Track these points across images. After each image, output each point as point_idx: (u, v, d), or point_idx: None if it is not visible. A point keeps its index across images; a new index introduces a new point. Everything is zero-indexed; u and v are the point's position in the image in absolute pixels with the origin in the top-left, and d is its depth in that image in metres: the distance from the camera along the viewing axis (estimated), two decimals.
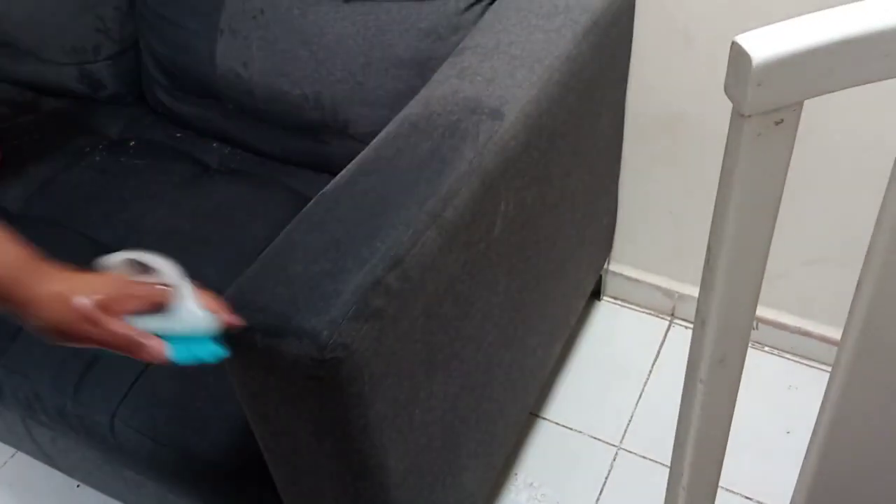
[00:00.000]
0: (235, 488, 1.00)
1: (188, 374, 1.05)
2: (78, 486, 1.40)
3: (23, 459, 1.14)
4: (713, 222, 0.56)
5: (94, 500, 1.39)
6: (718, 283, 0.58)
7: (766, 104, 0.48)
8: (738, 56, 0.47)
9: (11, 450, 1.50)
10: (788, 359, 1.53)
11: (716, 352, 0.63)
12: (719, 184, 0.53)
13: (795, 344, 1.52)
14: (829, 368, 1.60)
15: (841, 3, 0.48)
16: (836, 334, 1.48)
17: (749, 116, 0.48)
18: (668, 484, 0.80)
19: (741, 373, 0.67)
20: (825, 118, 1.21)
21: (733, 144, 0.51)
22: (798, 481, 0.78)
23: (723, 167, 0.52)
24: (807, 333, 1.49)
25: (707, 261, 0.58)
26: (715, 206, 0.55)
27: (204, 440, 1.00)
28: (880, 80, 0.49)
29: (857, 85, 0.49)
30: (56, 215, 1.30)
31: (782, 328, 1.51)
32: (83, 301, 0.68)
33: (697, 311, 0.62)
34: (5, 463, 1.50)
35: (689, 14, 1.22)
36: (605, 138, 1.29)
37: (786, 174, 0.52)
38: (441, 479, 1.02)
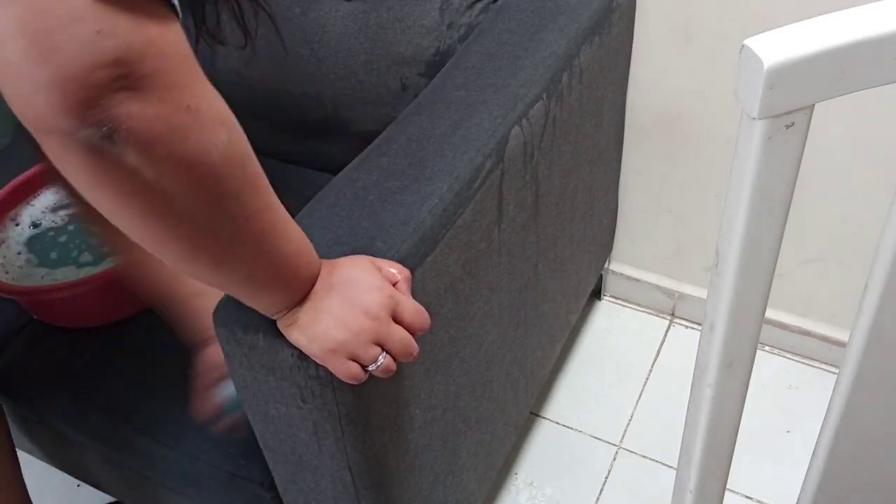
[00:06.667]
0: (235, 488, 0.99)
1: (187, 375, 1.04)
2: (78, 485, 1.39)
3: (23, 459, 1.14)
4: (722, 226, 0.56)
5: (94, 500, 1.39)
6: (727, 288, 0.57)
7: (778, 107, 0.47)
8: (749, 59, 0.46)
9: None
10: (789, 358, 1.53)
11: (724, 356, 0.63)
12: (729, 187, 0.53)
13: (796, 343, 1.52)
14: (830, 368, 1.59)
15: (837, 2, 0.48)
16: (836, 334, 1.48)
17: (760, 120, 0.48)
18: (675, 488, 0.80)
19: (749, 376, 0.66)
20: (825, 117, 1.21)
21: (744, 148, 0.50)
22: (805, 482, 0.77)
23: (732, 170, 0.52)
24: (807, 333, 1.49)
25: (716, 265, 0.57)
26: (724, 210, 0.55)
27: (204, 440, 1.00)
28: (892, 83, 0.49)
29: (868, 88, 0.49)
30: None
31: (782, 328, 1.51)
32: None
33: (706, 315, 0.62)
34: None
35: (689, 14, 1.22)
36: (606, 138, 1.29)
37: (796, 177, 0.51)
38: (441, 479, 1.02)
